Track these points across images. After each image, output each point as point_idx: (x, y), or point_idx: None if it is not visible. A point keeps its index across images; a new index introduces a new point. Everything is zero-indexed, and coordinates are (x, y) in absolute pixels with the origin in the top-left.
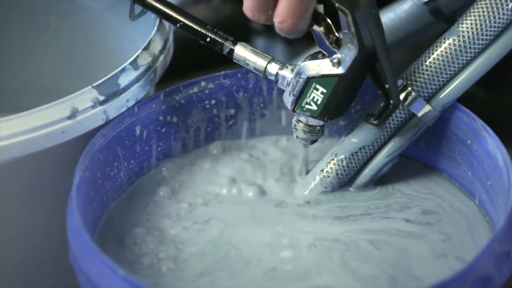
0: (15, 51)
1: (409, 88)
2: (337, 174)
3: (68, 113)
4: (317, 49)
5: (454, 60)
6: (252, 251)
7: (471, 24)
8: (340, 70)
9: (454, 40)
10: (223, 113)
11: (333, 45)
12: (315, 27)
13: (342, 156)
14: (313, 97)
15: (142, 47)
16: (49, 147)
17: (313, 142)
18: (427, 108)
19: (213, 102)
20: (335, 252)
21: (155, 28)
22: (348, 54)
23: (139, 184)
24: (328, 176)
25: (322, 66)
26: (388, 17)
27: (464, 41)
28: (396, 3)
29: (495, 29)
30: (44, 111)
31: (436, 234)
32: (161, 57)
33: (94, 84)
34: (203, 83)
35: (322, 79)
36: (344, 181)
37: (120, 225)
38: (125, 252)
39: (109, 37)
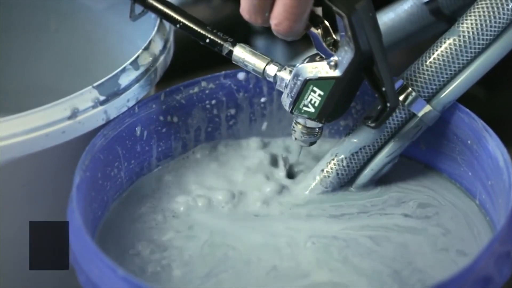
0: (15, 51)
1: (410, 88)
2: (338, 174)
3: (69, 113)
4: (315, 51)
5: (454, 60)
6: (251, 251)
7: (472, 24)
8: (337, 73)
9: (454, 40)
10: (224, 113)
11: (331, 47)
12: (313, 29)
13: (343, 156)
14: (311, 99)
15: (143, 47)
16: (50, 147)
17: (311, 144)
18: (428, 108)
19: (213, 102)
20: (334, 249)
21: (156, 28)
22: (345, 56)
23: (139, 184)
24: (329, 176)
25: (320, 69)
26: (388, 17)
27: (464, 41)
28: (397, 3)
29: (495, 29)
30: (44, 111)
31: (435, 228)
32: (162, 57)
33: (95, 84)
34: (203, 83)
35: (319, 81)
36: (345, 181)
37: (121, 225)
38: (125, 252)
39: (109, 37)
